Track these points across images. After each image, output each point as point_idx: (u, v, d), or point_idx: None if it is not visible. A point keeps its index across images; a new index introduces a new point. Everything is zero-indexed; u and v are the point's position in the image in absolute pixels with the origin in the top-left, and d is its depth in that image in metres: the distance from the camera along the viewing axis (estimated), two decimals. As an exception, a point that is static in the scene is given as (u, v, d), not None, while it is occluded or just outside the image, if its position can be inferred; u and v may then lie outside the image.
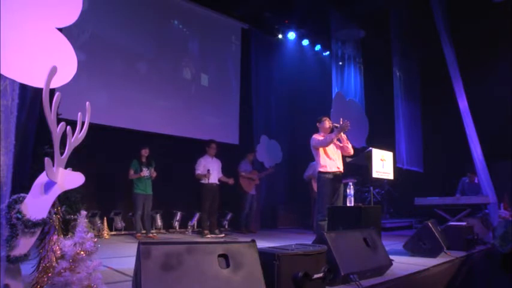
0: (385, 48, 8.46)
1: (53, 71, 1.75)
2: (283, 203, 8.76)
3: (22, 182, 3.58)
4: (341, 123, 4.42)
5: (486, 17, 7.58)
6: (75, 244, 1.83)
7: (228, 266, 1.91)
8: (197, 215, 6.80)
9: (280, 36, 9.28)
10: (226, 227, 7.48)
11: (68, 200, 4.80)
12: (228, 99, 8.32)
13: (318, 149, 4.57)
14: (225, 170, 6.64)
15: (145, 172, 5.63)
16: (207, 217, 6.18)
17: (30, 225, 1.74)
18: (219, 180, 6.41)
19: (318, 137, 4.65)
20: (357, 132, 7.97)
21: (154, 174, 5.78)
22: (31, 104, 4.77)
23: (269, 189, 8.49)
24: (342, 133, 4.56)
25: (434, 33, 6.75)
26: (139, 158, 5.75)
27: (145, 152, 5.77)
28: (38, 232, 1.81)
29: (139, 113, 6.64)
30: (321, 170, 4.54)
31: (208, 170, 6.13)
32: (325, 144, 4.51)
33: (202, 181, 6.18)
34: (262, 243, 3.21)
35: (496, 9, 7.19)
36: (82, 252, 1.82)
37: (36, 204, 1.81)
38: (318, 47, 9.84)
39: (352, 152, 4.73)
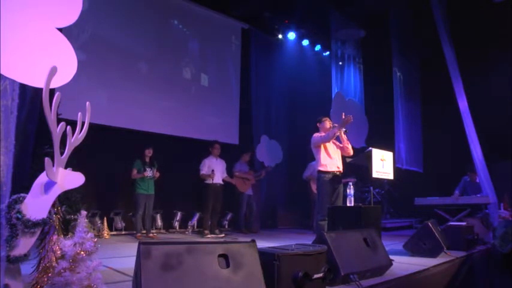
0: (385, 48, 8.45)
1: (53, 71, 1.75)
2: (283, 203, 8.76)
3: (22, 182, 3.58)
4: (343, 117, 4.38)
5: (486, 17, 7.58)
6: (75, 244, 1.83)
7: (228, 266, 1.91)
8: (197, 215, 6.80)
9: (280, 36, 9.29)
10: (226, 227, 7.49)
11: (68, 200, 4.80)
12: (228, 99, 8.32)
13: (319, 147, 4.55)
14: (226, 170, 6.66)
15: (148, 172, 5.64)
16: (209, 217, 6.18)
17: (30, 225, 1.74)
18: (223, 180, 6.42)
19: (319, 135, 4.65)
20: (356, 132, 7.97)
21: (157, 175, 5.79)
22: (31, 104, 4.77)
23: (269, 189, 8.49)
24: (342, 133, 4.55)
25: (434, 33, 6.75)
26: (143, 158, 5.75)
27: (148, 152, 5.78)
28: (38, 232, 1.81)
29: (139, 113, 6.64)
30: (321, 169, 4.52)
31: (213, 171, 6.15)
32: (327, 139, 4.48)
33: (207, 181, 6.20)
34: (262, 243, 3.21)
35: (496, 9, 7.19)
36: (82, 252, 1.82)
37: (36, 204, 1.81)
38: (318, 47, 9.85)
39: (351, 152, 4.72)
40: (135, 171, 5.65)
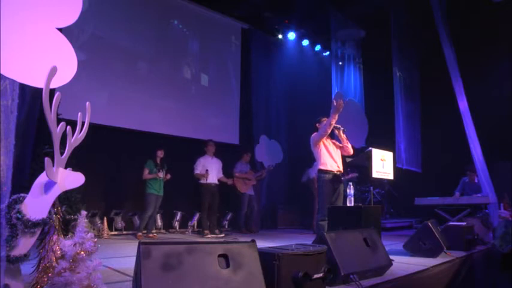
0: (385, 48, 8.46)
1: (53, 71, 1.75)
2: (283, 203, 8.76)
3: (22, 182, 3.59)
4: (334, 103, 4.28)
5: (486, 17, 7.58)
6: (75, 244, 1.83)
7: (228, 266, 1.91)
8: (197, 215, 6.80)
9: (280, 36, 9.28)
10: (226, 227, 7.48)
11: (68, 200, 4.81)
12: (228, 99, 8.32)
13: (319, 147, 4.53)
14: (224, 170, 6.65)
15: (161, 173, 5.65)
16: (207, 217, 6.18)
17: (30, 225, 1.74)
18: (218, 180, 6.41)
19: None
20: (356, 132, 7.97)
21: (168, 176, 5.81)
22: (31, 104, 4.78)
23: (269, 189, 8.49)
24: (341, 133, 4.55)
25: (434, 33, 6.75)
26: (154, 159, 5.76)
27: (161, 154, 5.82)
28: (38, 232, 1.81)
29: (139, 113, 6.64)
30: (322, 167, 4.49)
31: (207, 170, 6.13)
32: (324, 132, 4.41)
33: (201, 181, 6.19)
34: (262, 243, 3.21)
35: (496, 9, 7.20)
36: (82, 252, 1.82)
37: (36, 204, 1.81)
38: (318, 47, 9.85)
39: (352, 151, 4.71)
40: (146, 172, 5.66)
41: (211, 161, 6.39)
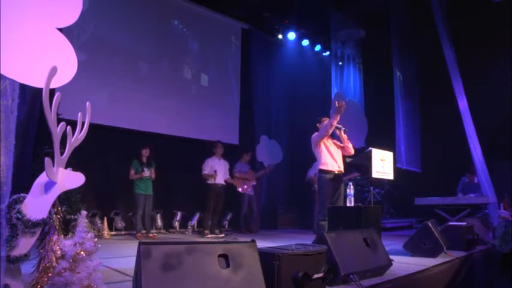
0: (385, 48, 8.46)
1: (53, 71, 1.75)
2: (283, 203, 8.76)
3: (22, 182, 3.58)
4: (336, 105, 4.28)
5: (486, 17, 7.59)
6: (75, 244, 1.83)
7: (228, 266, 1.91)
8: (197, 215, 6.80)
9: (280, 36, 9.28)
10: (226, 227, 7.49)
11: (68, 200, 4.81)
12: (228, 99, 8.32)
13: (319, 147, 4.53)
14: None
15: (146, 172, 5.64)
16: (210, 217, 6.18)
17: (30, 225, 1.74)
18: (225, 182, 6.42)
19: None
20: (356, 132, 7.97)
21: (153, 175, 5.79)
22: (31, 104, 4.78)
23: (269, 189, 8.49)
24: (342, 133, 4.55)
25: (434, 33, 6.75)
26: (140, 158, 5.75)
27: (145, 152, 5.78)
28: (38, 232, 1.81)
29: (139, 113, 6.64)
30: (322, 168, 4.49)
31: (216, 171, 6.15)
32: (325, 132, 4.41)
33: (208, 181, 6.19)
34: (262, 243, 3.21)
35: (496, 9, 7.20)
36: (82, 252, 1.82)
37: (36, 204, 1.81)
38: (318, 47, 9.85)
39: (353, 151, 4.71)
40: (132, 172, 5.65)
41: (218, 162, 6.39)
